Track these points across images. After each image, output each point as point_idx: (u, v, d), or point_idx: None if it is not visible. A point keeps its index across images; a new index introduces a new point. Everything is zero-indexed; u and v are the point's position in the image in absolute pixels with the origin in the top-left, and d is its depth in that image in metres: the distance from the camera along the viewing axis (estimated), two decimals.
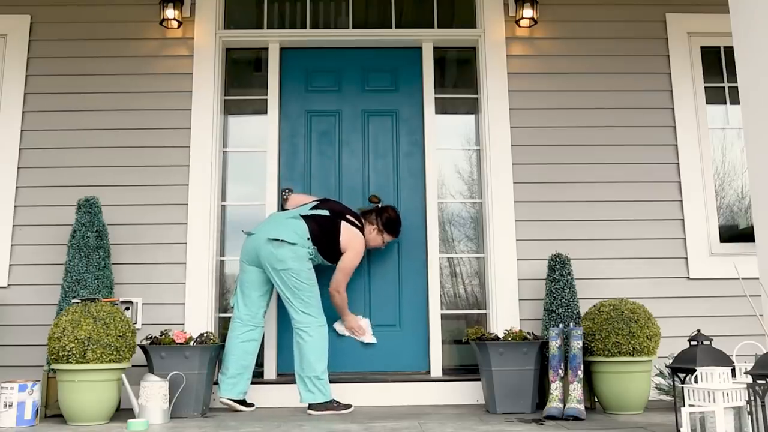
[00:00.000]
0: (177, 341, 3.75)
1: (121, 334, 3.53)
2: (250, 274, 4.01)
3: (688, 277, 4.47)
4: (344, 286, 4.18)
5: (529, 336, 3.93)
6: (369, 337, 4.40)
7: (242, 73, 4.86)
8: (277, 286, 3.94)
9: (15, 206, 4.41)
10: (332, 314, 4.40)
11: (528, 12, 4.63)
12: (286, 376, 4.40)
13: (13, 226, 4.39)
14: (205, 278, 4.34)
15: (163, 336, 3.81)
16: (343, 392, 4.17)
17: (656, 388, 4.03)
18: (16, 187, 4.44)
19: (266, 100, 4.70)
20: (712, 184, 4.60)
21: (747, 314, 4.33)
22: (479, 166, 4.71)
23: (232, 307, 4.06)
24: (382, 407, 4.03)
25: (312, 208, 4.11)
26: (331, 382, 4.22)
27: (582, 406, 3.54)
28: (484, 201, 4.59)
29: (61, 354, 3.43)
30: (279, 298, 4.45)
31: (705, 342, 2.85)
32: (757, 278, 2.95)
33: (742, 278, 4.28)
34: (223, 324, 4.53)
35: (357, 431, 3.17)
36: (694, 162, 4.59)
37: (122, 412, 3.83)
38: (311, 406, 3.81)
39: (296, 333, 3.91)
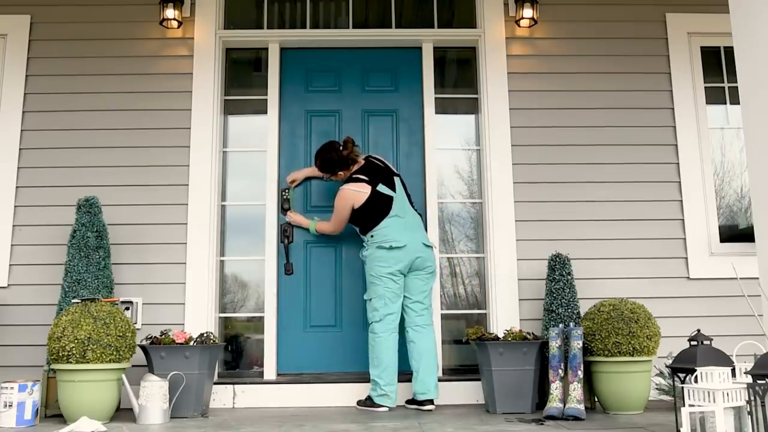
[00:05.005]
0: (177, 341, 3.75)
1: (121, 334, 3.53)
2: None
3: (687, 277, 4.47)
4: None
5: (529, 336, 3.93)
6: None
7: (242, 73, 4.86)
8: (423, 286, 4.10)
9: (15, 206, 4.41)
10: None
11: (528, 12, 4.62)
12: (285, 375, 4.41)
13: (13, 226, 4.39)
14: (205, 278, 4.34)
15: (163, 336, 3.81)
16: (343, 392, 4.17)
17: (656, 388, 4.04)
18: (16, 187, 4.44)
19: (266, 100, 4.70)
20: (711, 184, 4.60)
21: (747, 314, 4.32)
22: (479, 166, 4.71)
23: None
24: None
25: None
26: (330, 381, 4.23)
27: (582, 406, 3.54)
28: (484, 201, 4.59)
29: (61, 354, 3.43)
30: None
31: (705, 342, 2.85)
32: (757, 278, 2.94)
33: (743, 278, 4.27)
34: (224, 324, 4.53)
35: (357, 431, 3.17)
36: (694, 162, 4.59)
37: (122, 412, 3.83)
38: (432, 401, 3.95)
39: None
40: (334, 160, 4.21)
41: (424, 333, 4.02)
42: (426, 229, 4.51)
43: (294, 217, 4.48)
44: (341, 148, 4.22)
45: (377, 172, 4.17)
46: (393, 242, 3.99)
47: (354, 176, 4.16)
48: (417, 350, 3.99)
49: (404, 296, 4.06)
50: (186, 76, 4.59)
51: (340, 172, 4.25)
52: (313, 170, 4.52)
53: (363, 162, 4.24)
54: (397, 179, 4.21)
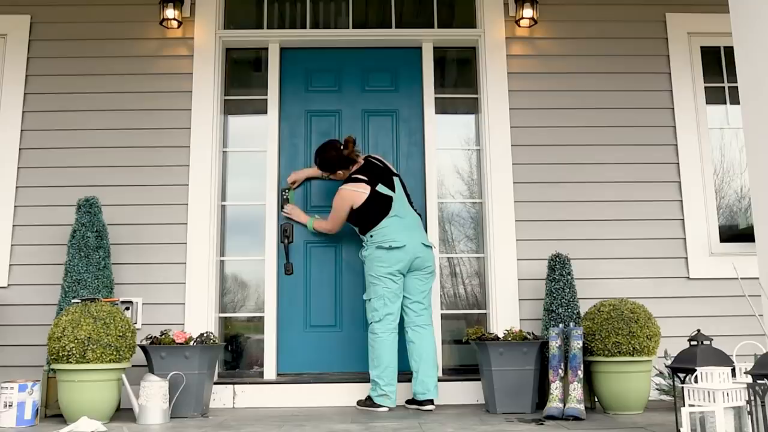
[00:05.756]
0: (177, 341, 3.75)
1: (121, 334, 3.53)
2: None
3: (688, 277, 4.47)
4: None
5: (529, 336, 3.93)
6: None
7: (242, 73, 4.86)
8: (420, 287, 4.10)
9: (15, 206, 4.41)
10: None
11: (528, 12, 4.62)
12: (285, 375, 4.41)
13: (13, 226, 4.39)
14: (205, 278, 4.34)
15: (163, 336, 3.81)
16: (343, 392, 4.17)
17: (656, 388, 4.04)
18: (16, 187, 4.44)
19: (266, 100, 4.70)
20: (711, 184, 4.60)
21: (747, 314, 4.32)
22: (479, 166, 4.71)
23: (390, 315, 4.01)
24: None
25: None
26: (330, 381, 4.23)
27: (582, 406, 3.54)
28: (484, 201, 4.59)
29: (61, 354, 3.43)
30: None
31: (705, 342, 2.85)
32: (757, 278, 2.94)
33: (742, 278, 4.27)
34: (224, 324, 4.53)
35: (357, 431, 3.17)
36: (693, 162, 4.59)
37: (122, 412, 3.83)
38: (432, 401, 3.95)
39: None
40: (334, 159, 4.22)
41: (423, 333, 4.02)
42: (426, 229, 4.52)
43: (293, 211, 4.49)
44: (342, 147, 4.22)
45: (376, 172, 4.17)
46: (392, 242, 3.99)
47: (353, 176, 4.16)
48: (417, 350, 3.99)
49: (404, 296, 4.06)
50: (186, 76, 4.59)
51: (340, 171, 4.25)
52: (314, 170, 4.52)
53: (362, 162, 4.24)
54: (396, 179, 4.21)
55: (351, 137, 4.25)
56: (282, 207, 4.56)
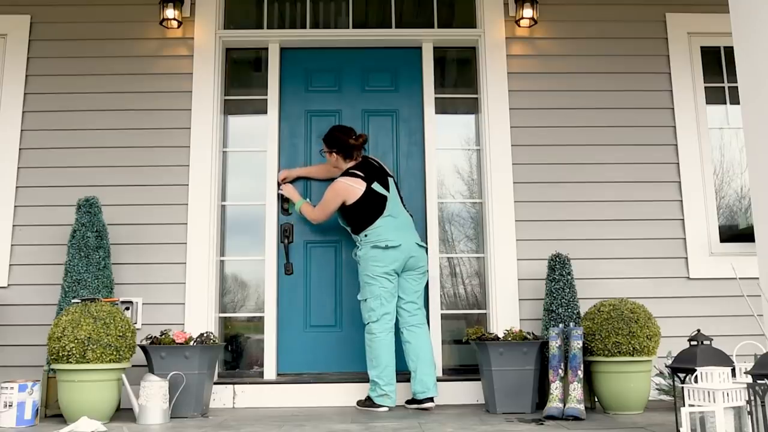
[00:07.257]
0: (177, 341, 3.75)
1: (121, 334, 3.54)
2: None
3: (688, 277, 4.47)
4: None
5: (529, 336, 3.93)
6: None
7: (242, 73, 4.86)
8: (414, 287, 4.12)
9: (15, 206, 4.41)
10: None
11: (528, 12, 4.62)
12: (285, 375, 4.41)
13: (13, 226, 4.39)
14: (205, 278, 4.34)
15: (163, 336, 3.81)
16: (343, 392, 4.17)
17: (656, 388, 4.04)
18: (16, 187, 4.44)
19: (266, 100, 4.70)
20: (711, 184, 4.60)
21: (747, 314, 4.32)
22: (479, 166, 4.71)
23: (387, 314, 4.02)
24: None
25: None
26: (330, 381, 4.23)
27: (582, 406, 3.54)
28: (484, 201, 4.59)
29: (61, 354, 3.43)
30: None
31: (705, 342, 2.85)
32: (757, 278, 2.94)
33: (743, 278, 4.27)
34: (224, 324, 4.53)
35: (357, 431, 3.17)
36: (693, 162, 4.59)
37: (122, 412, 3.83)
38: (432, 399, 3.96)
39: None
40: (342, 140, 4.24)
41: (419, 332, 4.02)
42: (426, 229, 4.53)
43: (286, 188, 4.49)
44: (354, 137, 4.25)
45: (372, 171, 4.17)
46: (388, 242, 4.00)
47: (351, 171, 4.17)
48: (413, 350, 3.99)
49: (398, 297, 4.06)
50: (186, 76, 4.59)
51: (336, 155, 4.27)
52: (306, 170, 4.55)
53: (360, 160, 4.25)
54: (390, 180, 4.21)
55: (366, 135, 4.30)
56: (281, 206, 4.57)
